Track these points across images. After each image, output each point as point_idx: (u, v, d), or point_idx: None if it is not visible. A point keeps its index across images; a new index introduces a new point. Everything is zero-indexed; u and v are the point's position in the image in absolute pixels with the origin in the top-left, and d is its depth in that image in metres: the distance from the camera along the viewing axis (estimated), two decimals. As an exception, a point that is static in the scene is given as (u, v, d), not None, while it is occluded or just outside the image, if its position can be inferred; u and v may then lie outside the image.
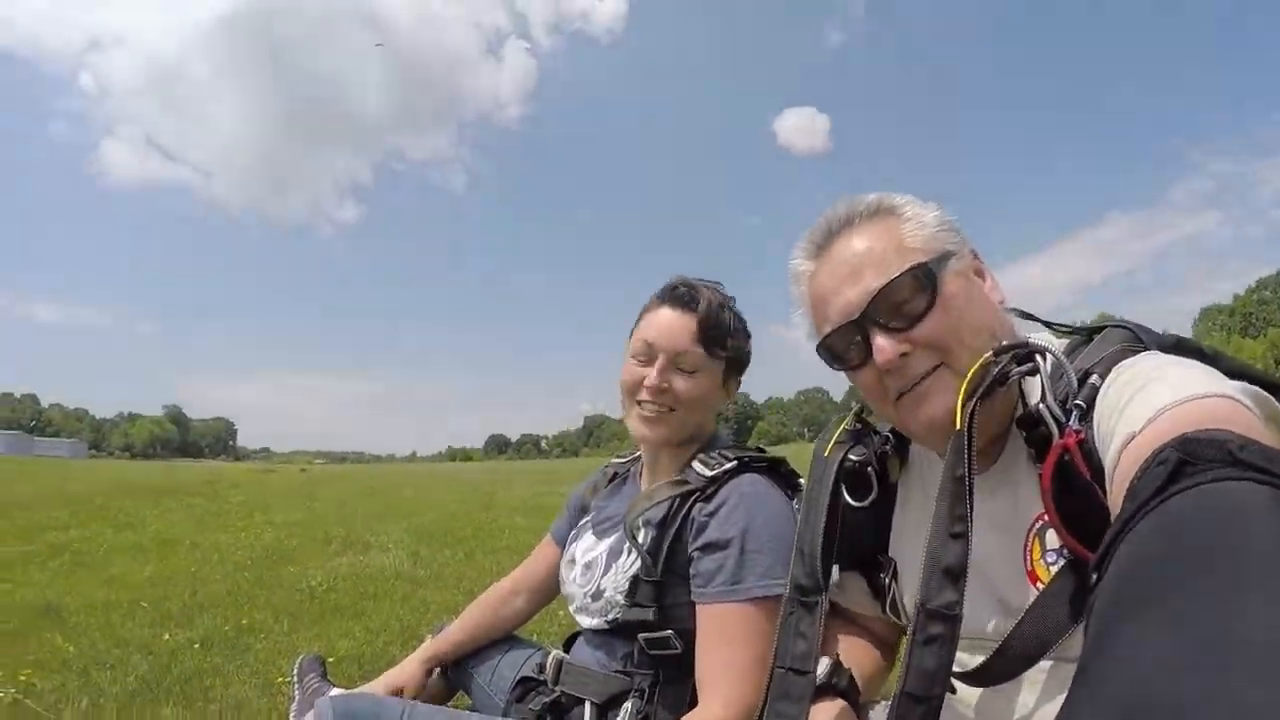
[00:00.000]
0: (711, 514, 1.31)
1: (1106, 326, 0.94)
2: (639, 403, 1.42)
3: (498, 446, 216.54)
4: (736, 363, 1.49)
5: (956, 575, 0.79)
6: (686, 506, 1.34)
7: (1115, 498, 0.63)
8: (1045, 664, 0.86)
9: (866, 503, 1.06)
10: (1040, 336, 0.93)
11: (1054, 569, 0.86)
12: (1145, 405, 0.68)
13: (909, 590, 1.05)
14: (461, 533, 7.54)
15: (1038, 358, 0.87)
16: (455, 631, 1.72)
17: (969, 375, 0.86)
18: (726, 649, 1.22)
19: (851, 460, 1.06)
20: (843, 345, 0.96)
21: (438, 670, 1.72)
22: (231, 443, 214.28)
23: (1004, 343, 0.89)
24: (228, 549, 6.53)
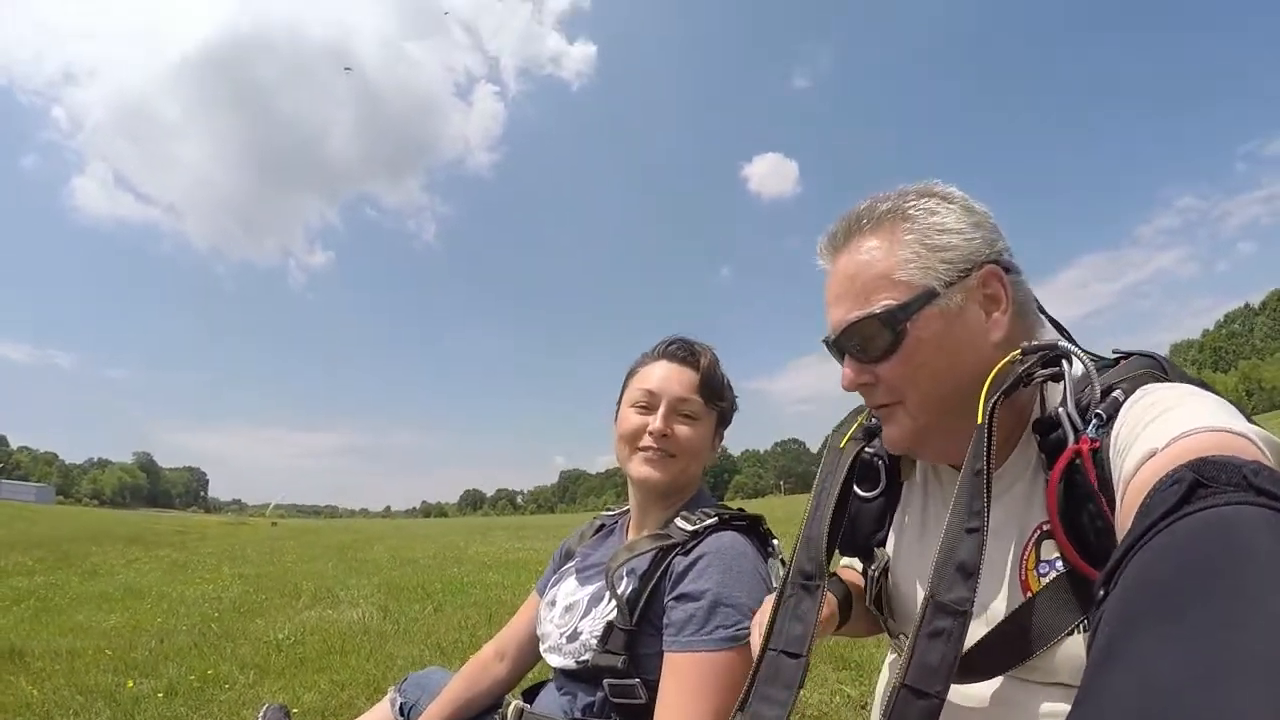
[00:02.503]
0: (689, 566, 1.34)
1: (1135, 354, 0.92)
2: (640, 449, 1.47)
3: (472, 503, 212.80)
4: (724, 417, 1.57)
5: (970, 571, 0.78)
6: (667, 559, 1.38)
7: (1127, 508, 0.63)
8: (1014, 680, 0.86)
9: (873, 495, 1.10)
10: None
11: (1045, 580, 0.85)
12: (1170, 426, 0.67)
13: (900, 588, 1.08)
14: (432, 587, 7.49)
15: (1064, 363, 0.86)
16: (437, 711, 1.64)
17: (994, 371, 0.86)
18: (684, 700, 1.23)
19: (867, 453, 1.09)
20: (833, 351, 1.02)
21: None
22: (203, 493, 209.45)
23: (1032, 343, 0.89)
24: (195, 601, 6.49)
